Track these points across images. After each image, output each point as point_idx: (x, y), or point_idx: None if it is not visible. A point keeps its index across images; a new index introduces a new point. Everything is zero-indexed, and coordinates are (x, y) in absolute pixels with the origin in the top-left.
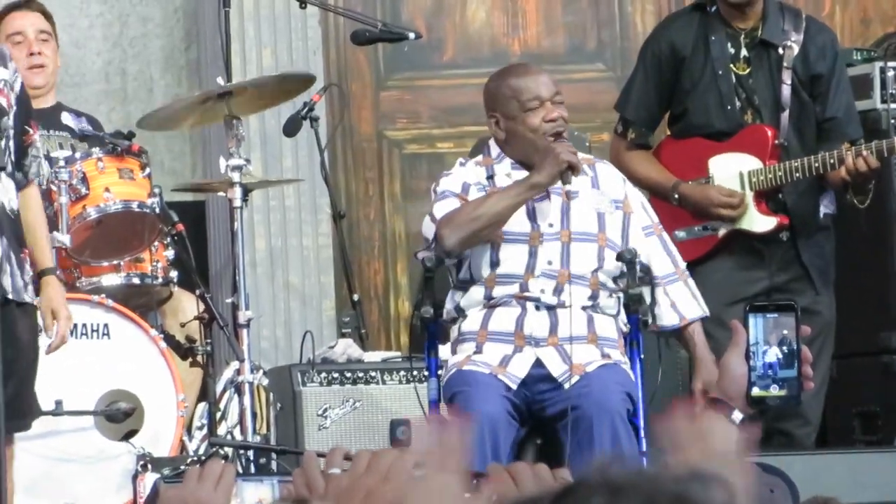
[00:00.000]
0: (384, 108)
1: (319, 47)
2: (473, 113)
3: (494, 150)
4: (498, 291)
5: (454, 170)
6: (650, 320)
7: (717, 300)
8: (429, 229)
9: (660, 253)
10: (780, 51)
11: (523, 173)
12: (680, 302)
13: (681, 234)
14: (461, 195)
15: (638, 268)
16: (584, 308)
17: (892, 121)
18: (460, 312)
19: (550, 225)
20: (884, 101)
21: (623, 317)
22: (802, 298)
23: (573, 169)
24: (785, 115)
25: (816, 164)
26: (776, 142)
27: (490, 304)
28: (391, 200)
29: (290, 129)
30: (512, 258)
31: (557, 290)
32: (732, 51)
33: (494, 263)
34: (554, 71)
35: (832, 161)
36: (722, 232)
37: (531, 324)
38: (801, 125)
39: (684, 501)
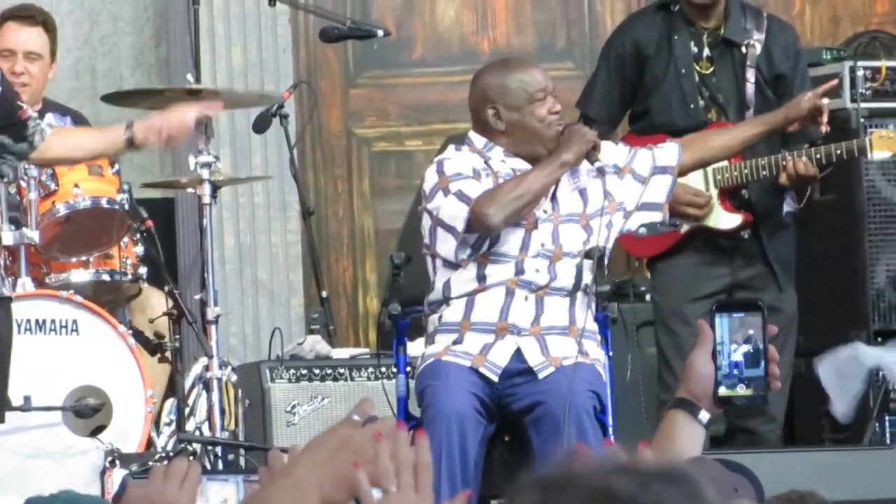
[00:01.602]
0: (353, 106)
1: (289, 45)
2: (442, 111)
3: (479, 141)
4: (490, 270)
5: (452, 154)
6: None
7: (679, 296)
8: (457, 207)
9: (640, 156)
10: (744, 49)
11: (516, 160)
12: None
13: (642, 229)
14: (475, 177)
15: (606, 266)
16: (568, 293)
17: (862, 120)
18: (448, 293)
19: (545, 211)
20: (853, 101)
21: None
22: (766, 295)
23: (596, 148)
24: (750, 113)
25: (784, 162)
26: None
27: (479, 287)
28: (360, 198)
29: (260, 126)
30: (509, 240)
31: (551, 270)
32: (696, 50)
33: (492, 242)
34: None
35: (803, 158)
36: (685, 228)
37: (515, 312)
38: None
39: (615, 496)
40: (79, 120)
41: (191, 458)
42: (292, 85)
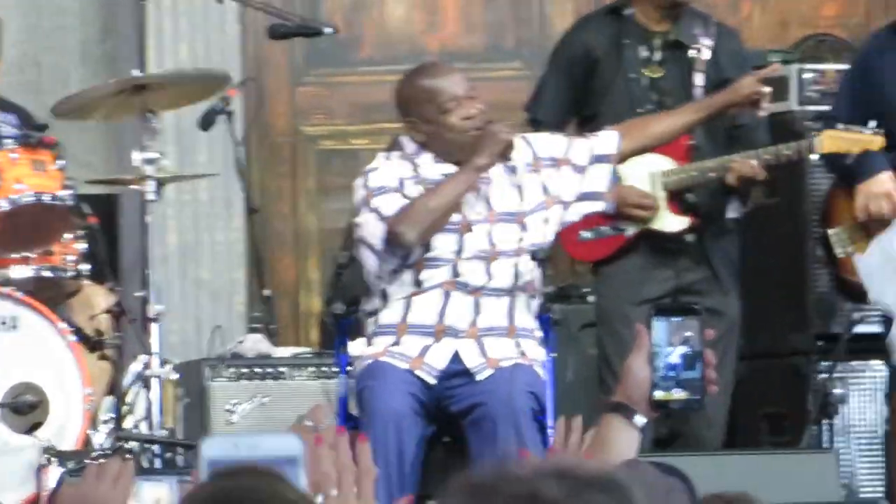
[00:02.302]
0: (300, 104)
1: (237, 41)
2: (389, 110)
3: (409, 146)
4: (426, 275)
5: (380, 164)
6: None
7: (623, 299)
8: (375, 226)
9: (578, 145)
10: (692, 53)
11: (446, 166)
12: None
13: (587, 234)
14: (399, 190)
15: (549, 268)
16: (507, 293)
17: (808, 123)
18: (385, 299)
19: (478, 213)
20: (801, 104)
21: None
22: (709, 299)
23: (511, 146)
24: None
25: (732, 164)
26: (689, 142)
27: (416, 291)
28: (305, 196)
29: (206, 123)
30: (441, 243)
31: (487, 271)
32: (646, 54)
33: (426, 247)
34: (472, 69)
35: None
36: (630, 232)
37: (452, 314)
38: (713, 128)
39: (539, 501)
40: (23, 117)
41: (127, 455)
42: (239, 82)
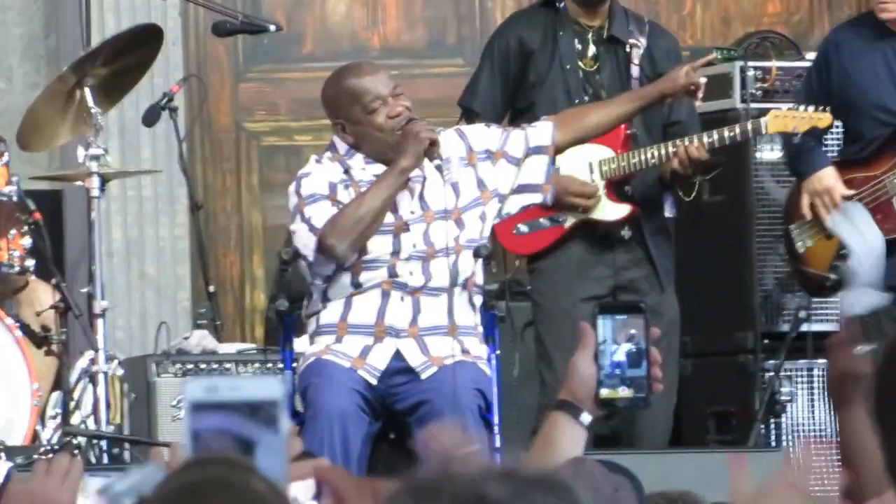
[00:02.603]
0: (243, 100)
1: (179, 38)
2: None
3: (342, 146)
4: (364, 277)
5: (312, 168)
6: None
7: (561, 297)
8: (307, 237)
9: (513, 137)
10: (628, 48)
11: (377, 166)
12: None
13: (523, 227)
14: (331, 195)
15: (493, 264)
16: (446, 291)
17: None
18: (326, 300)
19: (412, 212)
20: (743, 101)
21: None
22: (647, 297)
23: (434, 144)
24: None
25: (673, 150)
26: (627, 132)
27: (355, 291)
28: (248, 192)
29: (149, 119)
30: (377, 244)
31: (425, 271)
32: (580, 47)
33: (361, 250)
34: (413, 65)
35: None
36: (569, 223)
37: (392, 314)
38: (648, 121)
39: (485, 501)
40: None
41: (75, 451)
42: (182, 78)
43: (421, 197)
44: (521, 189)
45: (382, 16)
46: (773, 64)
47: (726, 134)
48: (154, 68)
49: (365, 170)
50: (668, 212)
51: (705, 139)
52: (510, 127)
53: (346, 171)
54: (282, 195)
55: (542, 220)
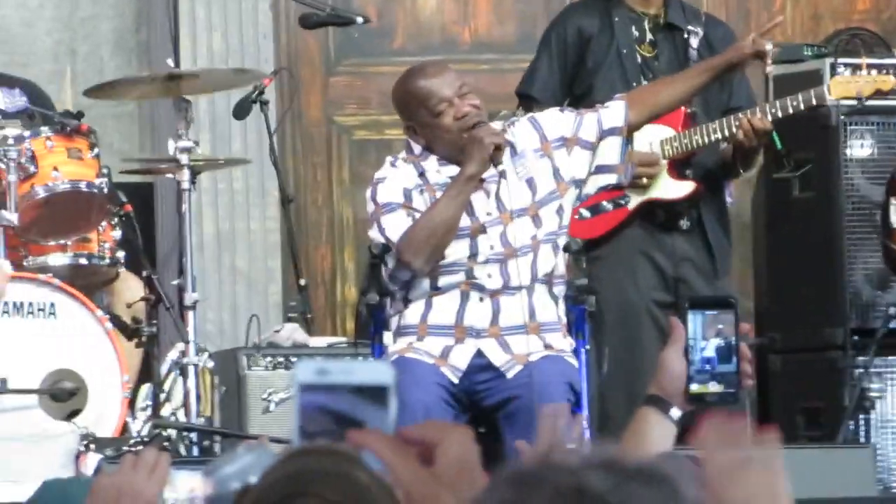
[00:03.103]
0: (333, 94)
1: (270, 31)
2: None
3: (416, 147)
4: (443, 281)
5: (387, 173)
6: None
7: (625, 286)
8: (377, 241)
9: (587, 121)
10: (686, 35)
11: (451, 167)
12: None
13: (585, 212)
14: (406, 204)
15: (584, 259)
16: (526, 289)
17: (842, 117)
18: (406, 301)
19: (489, 214)
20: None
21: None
22: (703, 286)
23: (499, 149)
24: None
25: (736, 123)
26: (688, 111)
27: (434, 293)
28: (339, 186)
29: (240, 112)
30: (455, 248)
31: (504, 272)
32: (637, 34)
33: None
34: (503, 60)
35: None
36: (633, 204)
37: (472, 315)
38: (707, 106)
39: (584, 493)
40: (30, 90)
41: (165, 443)
42: (273, 71)
43: (497, 197)
44: (598, 170)
45: (473, 10)
46: (864, 61)
47: (789, 103)
48: (245, 61)
49: (440, 172)
50: (728, 200)
51: (768, 109)
52: (583, 109)
53: (422, 175)
54: None
55: (604, 203)
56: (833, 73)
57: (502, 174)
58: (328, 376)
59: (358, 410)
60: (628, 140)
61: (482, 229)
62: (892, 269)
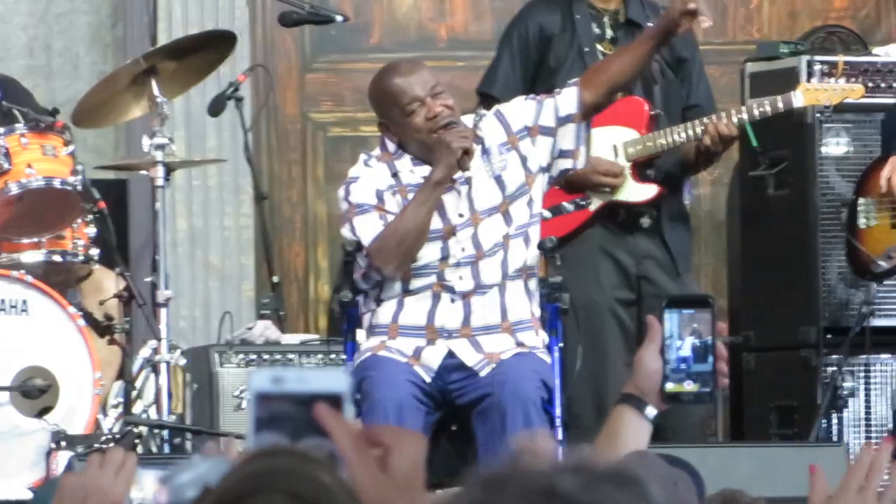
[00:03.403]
0: (309, 91)
1: (246, 27)
2: None
3: (391, 144)
4: (414, 283)
5: (360, 172)
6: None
7: (588, 285)
8: (350, 239)
9: (545, 108)
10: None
11: (425, 168)
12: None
13: (546, 213)
14: (378, 206)
15: (558, 257)
16: (498, 287)
17: (818, 115)
18: (378, 300)
19: (461, 215)
20: None
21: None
22: (664, 284)
23: (468, 153)
24: (657, 89)
25: (702, 128)
26: (651, 113)
27: (405, 293)
28: (314, 183)
29: (215, 108)
30: (426, 251)
31: (475, 274)
32: (598, 31)
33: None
34: (480, 57)
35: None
36: (594, 206)
37: (443, 316)
38: (668, 103)
39: (554, 494)
40: (5, 84)
41: (137, 440)
42: (248, 68)
43: (468, 197)
44: (560, 154)
45: (450, 7)
46: (840, 59)
47: (756, 110)
48: None
49: (413, 172)
50: (687, 198)
51: (734, 116)
52: (542, 96)
53: (395, 175)
54: None
55: (565, 204)
56: (810, 70)
57: (468, 180)
58: (283, 384)
59: (313, 419)
60: (587, 125)
61: (453, 232)
62: (854, 270)
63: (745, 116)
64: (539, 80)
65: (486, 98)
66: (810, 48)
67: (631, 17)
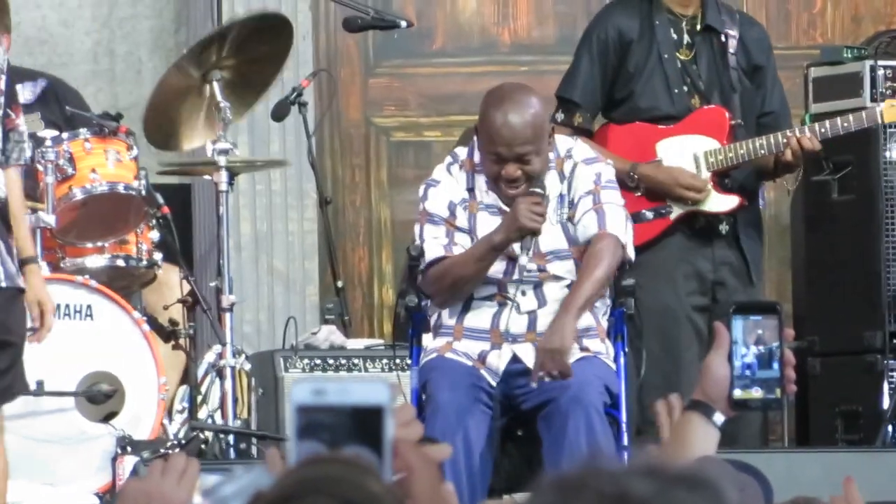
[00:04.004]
0: (372, 95)
1: (309, 32)
2: (461, 102)
3: (478, 155)
4: (477, 293)
5: (441, 177)
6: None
7: (666, 292)
8: (416, 246)
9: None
10: (723, 38)
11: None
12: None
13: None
14: (448, 220)
15: (627, 264)
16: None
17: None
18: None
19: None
20: (873, 100)
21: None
22: (739, 291)
23: (535, 234)
24: (735, 98)
25: (784, 140)
26: (732, 122)
27: (470, 299)
28: (377, 188)
29: (278, 113)
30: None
31: (539, 294)
32: (675, 37)
33: None
34: (543, 61)
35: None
36: (675, 214)
37: (507, 321)
38: (746, 111)
39: (628, 499)
40: (52, 83)
41: (202, 445)
42: (312, 73)
43: (536, 247)
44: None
45: (513, 11)
46: None
47: (840, 124)
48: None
49: (488, 194)
50: (761, 204)
51: (818, 129)
52: (588, 208)
53: (471, 190)
54: (411, 191)
55: (645, 211)
56: (873, 74)
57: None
58: (325, 397)
59: (354, 430)
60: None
61: (515, 257)
62: None
63: (828, 131)
64: (618, 86)
65: (566, 103)
66: (874, 53)
67: (709, 23)
